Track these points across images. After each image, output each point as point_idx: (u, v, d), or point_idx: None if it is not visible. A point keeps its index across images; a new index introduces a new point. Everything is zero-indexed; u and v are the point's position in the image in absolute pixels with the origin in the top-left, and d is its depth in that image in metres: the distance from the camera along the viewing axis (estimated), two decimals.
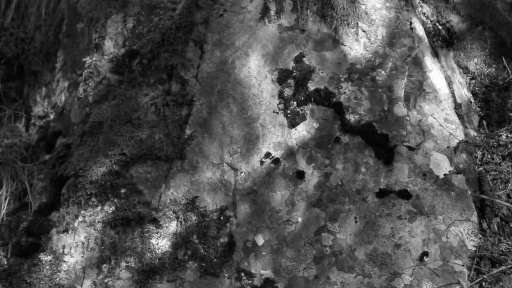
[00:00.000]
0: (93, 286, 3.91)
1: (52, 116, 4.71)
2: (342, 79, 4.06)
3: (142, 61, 4.30)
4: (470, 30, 4.50)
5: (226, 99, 4.09)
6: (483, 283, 3.76)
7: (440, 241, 3.85)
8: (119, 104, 4.21)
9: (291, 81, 4.08)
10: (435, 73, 4.16)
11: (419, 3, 4.42)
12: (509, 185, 4.08)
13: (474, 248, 3.85)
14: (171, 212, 3.97)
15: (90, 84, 4.41)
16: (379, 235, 3.87)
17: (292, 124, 4.02)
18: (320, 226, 3.91)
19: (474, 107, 4.37)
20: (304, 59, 4.11)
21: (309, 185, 3.95)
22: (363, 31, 4.14)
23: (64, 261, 3.96)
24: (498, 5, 4.63)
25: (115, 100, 4.24)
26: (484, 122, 4.33)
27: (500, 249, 3.84)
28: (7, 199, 4.41)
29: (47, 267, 3.96)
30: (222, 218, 3.96)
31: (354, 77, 4.06)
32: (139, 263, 3.91)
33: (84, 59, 4.50)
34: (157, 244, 3.93)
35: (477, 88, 4.42)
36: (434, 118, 4.04)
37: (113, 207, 3.99)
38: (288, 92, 4.06)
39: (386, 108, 4.02)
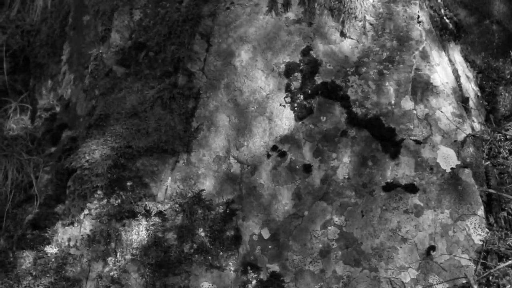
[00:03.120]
0: (99, 279, 3.91)
1: (58, 109, 4.71)
2: (349, 73, 4.05)
3: (149, 54, 4.29)
4: (477, 24, 4.48)
5: (233, 92, 4.08)
6: (490, 278, 3.76)
7: (447, 235, 3.85)
8: (125, 97, 4.20)
9: (298, 74, 4.07)
10: (442, 67, 4.15)
11: None
12: None
13: (481, 242, 3.85)
14: (177, 205, 3.97)
15: (96, 76, 4.41)
16: (386, 229, 3.87)
17: (299, 118, 4.02)
18: (327, 220, 3.91)
19: (481, 101, 4.37)
20: (311, 52, 4.10)
21: (316, 179, 3.95)
22: (371, 24, 4.13)
23: (70, 254, 3.97)
24: None
25: (122, 92, 4.23)
26: (491, 116, 4.32)
27: (507, 243, 3.84)
28: (13, 191, 4.40)
29: (53, 259, 3.96)
30: (228, 211, 3.95)
31: (361, 70, 4.05)
32: (145, 256, 3.91)
33: (90, 52, 4.49)
34: (163, 237, 3.93)
35: (484, 82, 4.41)
36: (441, 112, 4.03)
37: (119, 200, 3.98)
38: (295, 85, 4.06)
39: (393, 102, 4.01)
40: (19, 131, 4.73)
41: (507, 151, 4.16)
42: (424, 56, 4.10)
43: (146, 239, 3.94)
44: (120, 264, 3.92)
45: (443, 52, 4.25)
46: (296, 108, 4.03)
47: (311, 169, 3.96)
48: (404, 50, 4.09)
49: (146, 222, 3.95)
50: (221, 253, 3.91)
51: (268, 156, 4.00)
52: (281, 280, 3.86)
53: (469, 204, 3.90)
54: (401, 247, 3.84)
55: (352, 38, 4.12)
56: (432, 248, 3.84)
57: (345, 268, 3.85)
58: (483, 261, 3.81)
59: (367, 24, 4.13)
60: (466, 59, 4.44)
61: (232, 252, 3.91)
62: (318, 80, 4.05)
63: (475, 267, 3.82)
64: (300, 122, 4.02)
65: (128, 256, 3.93)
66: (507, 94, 4.39)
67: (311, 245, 3.88)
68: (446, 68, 4.17)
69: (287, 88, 4.06)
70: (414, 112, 4.00)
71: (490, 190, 3.97)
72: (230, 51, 4.13)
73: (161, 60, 4.26)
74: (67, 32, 4.85)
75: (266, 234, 3.92)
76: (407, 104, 4.01)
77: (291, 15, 4.15)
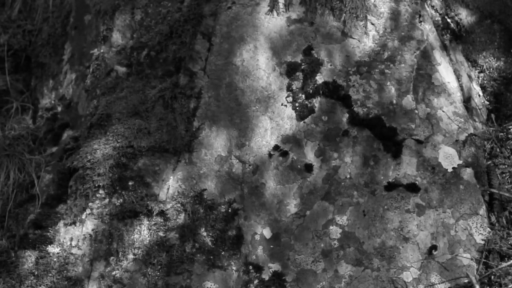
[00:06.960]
0: (101, 279, 3.91)
1: (59, 108, 4.70)
2: (351, 72, 4.05)
3: (150, 54, 4.29)
4: (479, 23, 4.48)
5: (234, 91, 4.08)
6: (492, 277, 3.77)
7: (449, 235, 3.85)
8: (127, 97, 4.20)
9: (299, 74, 4.07)
10: (443, 66, 4.15)
11: None
12: None
13: (482, 242, 3.85)
14: (179, 205, 3.97)
15: (97, 76, 4.41)
16: (388, 228, 3.87)
17: (301, 117, 4.02)
18: (328, 219, 3.91)
19: (482, 101, 4.36)
20: (313, 52, 4.10)
21: (318, 178, 3.95)
22: (372, 24, 4.13)
23: (72, 254, 3.96)
24: None
25: (123, 92, 4.23)
26: (493, 116, 4.32)
27: (509, 242, 3.84)
28: (15, 191, 4.40)
29: (55, 259, 3.96)
30: (230, 211, 3.95)
31: (362, 70, 4.05)
32: (147, 255, 3.91)
33: (91, 51, 4.49)
34: (165, 236, 3.93)
35: (486, 82, 4.41)
36: (443, 111, 4.03)
37: (121, 200, 3.98)
38: (296, 85, 4.06)
39: (394, 101, 4.01)
40: (20, 130, 4.72)
41: (509, 151, 4.16)
42: (426, 55, 4.10)
43: (148, 238, 3.94)
44: (122, 264, 3.92)
45: (445, 52, 4.25)
46: (297, 108, 4.03)
47: (312, 169, 3.96)
48: (406, 50, 4.09)
49: (148, 222, 3.95)
50: (223, 253, 3.91)
51: (270, 155, 4.00)
52: (283, 280, 3.86)
53: (470, 203, 3.90)
54: (403, 247, 3.85)
55: (353, 38, 4.12)
56: (434, 247, 3.84)
57: (347, 267, 3.85)
58: (485, 260, 3.81)
59: (369, 24, 4.13)
60: (467, 58, 4.44)
61: (234, 251, 3.91)
62: (320, 79, 4.05)
63: (477, 267, 3.82)
64: (302, 122, 4.02)
65: (130, 256, 3.93)
66: (508, 93, 4.39)
67: (313, 245, 3.89)
68: (448, 68, 4.18)
69: (289, 88, 4.06)
70: (416, 111, 4.00)
71: (492, 190, 3.98)
72: (232, 51, 4.13)
73: (163, 59, 4.26)
74: (69, 31, 4.85)
75: (268, 234, 3.92)
76: (409, 103, 4.01)
77: (292, 14, 4.15)
